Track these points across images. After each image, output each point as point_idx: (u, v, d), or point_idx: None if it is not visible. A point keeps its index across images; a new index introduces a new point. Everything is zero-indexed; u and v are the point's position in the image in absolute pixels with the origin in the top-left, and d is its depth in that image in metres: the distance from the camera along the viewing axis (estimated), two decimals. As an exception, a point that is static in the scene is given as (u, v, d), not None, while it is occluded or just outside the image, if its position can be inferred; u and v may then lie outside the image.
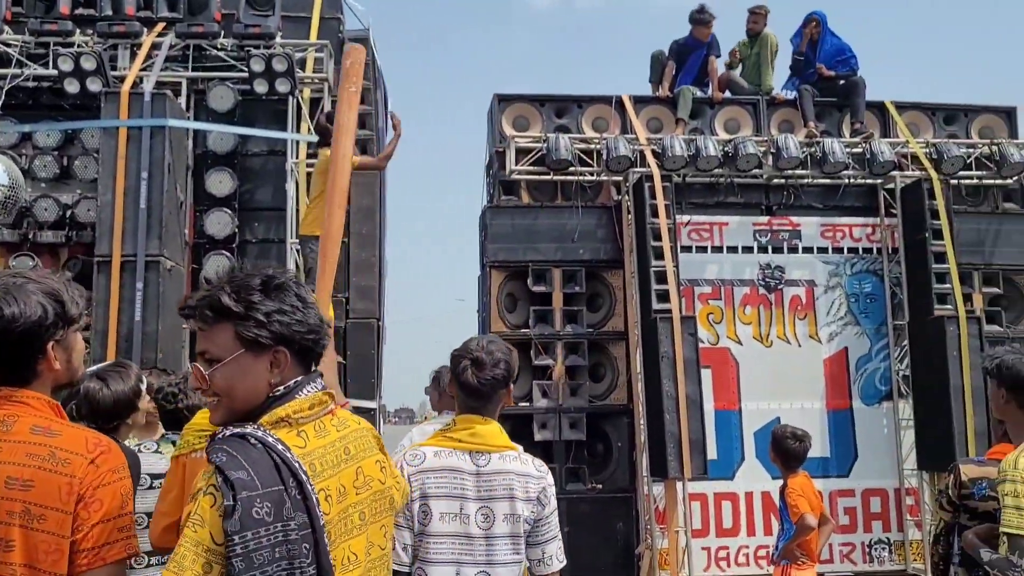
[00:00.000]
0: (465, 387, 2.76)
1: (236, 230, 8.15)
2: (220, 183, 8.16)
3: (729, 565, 7.82)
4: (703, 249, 8.47)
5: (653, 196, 8.03)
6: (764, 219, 8.57)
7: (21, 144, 8.12)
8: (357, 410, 5.90)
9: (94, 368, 3.41)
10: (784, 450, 4.98)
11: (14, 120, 7.94)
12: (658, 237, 7.93)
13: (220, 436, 1.74)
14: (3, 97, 7.64)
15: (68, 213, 7.92)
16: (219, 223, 8.09)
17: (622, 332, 8.37)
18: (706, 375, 7.91)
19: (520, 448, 2.83)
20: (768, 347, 8.30)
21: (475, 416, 2.75)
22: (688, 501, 7.62)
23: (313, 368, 1.88)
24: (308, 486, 1.69)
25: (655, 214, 7.99)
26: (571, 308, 8.34)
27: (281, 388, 1.79)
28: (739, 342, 8.29)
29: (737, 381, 8.19)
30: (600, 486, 8.08)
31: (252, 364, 1.76)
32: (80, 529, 1.79)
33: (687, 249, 8.36)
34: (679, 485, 7.53)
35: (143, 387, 3.35)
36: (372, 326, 8.42)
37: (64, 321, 1.91)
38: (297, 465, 1.70)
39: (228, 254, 8.09)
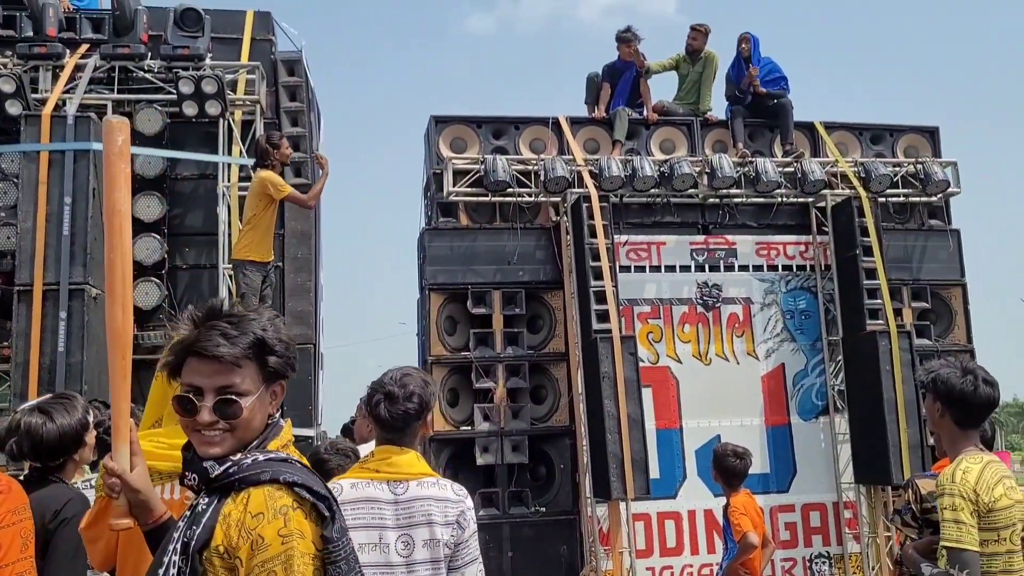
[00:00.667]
0: (379, 420, 2.85)
1: (166, 256, 7.92)
2: (148, 208, 7.93)
3: (672, 585, 7.81)
4: (641, 268, 8.52)
5: (591, 216, 8.06)
6: (701, 238, 8.66)
7: (-67, 169, 7.77)
8: (296, 438, 5.75)
9: (35, 401, 3.18)
10: (725, 468, 5.00)
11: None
12: (597, 257, 7.94)
13: (251, 462, 1.74)
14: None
15: (-15, 240, 7.59)
16: (148, 249, 7.85)
17: (563, 353, 8.35)
18: (647, 394, 7.93)
19: (438, 475, 2.88)
20: (707, 365, 8.36)
21: (391, 447, 2.81)
22: (632, 521, 7.60)
23: None
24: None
25: (593, 234, 8.01)
26: (511, 330, 8.29)
27: (272, 419, 1.86)
28: (679, 360, 8.34)
29: (678, 399, 8.23)
30: (543, 509, 8.00)
31: (265, 397, 1.82)
32: None
33: (626, 269, 8.40)
34: (622, 505, 7.51)
35: (91, 419, 3.14)
36: (309, 351, 8.25)
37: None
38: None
39: (157, 280, 7.86)
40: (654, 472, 7.69)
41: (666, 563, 7.84)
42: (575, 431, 8.12)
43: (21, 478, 2.99)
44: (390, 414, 2.80)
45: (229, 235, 7.89)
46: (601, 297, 7.85)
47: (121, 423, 1.92)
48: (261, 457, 1.75)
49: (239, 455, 1.75)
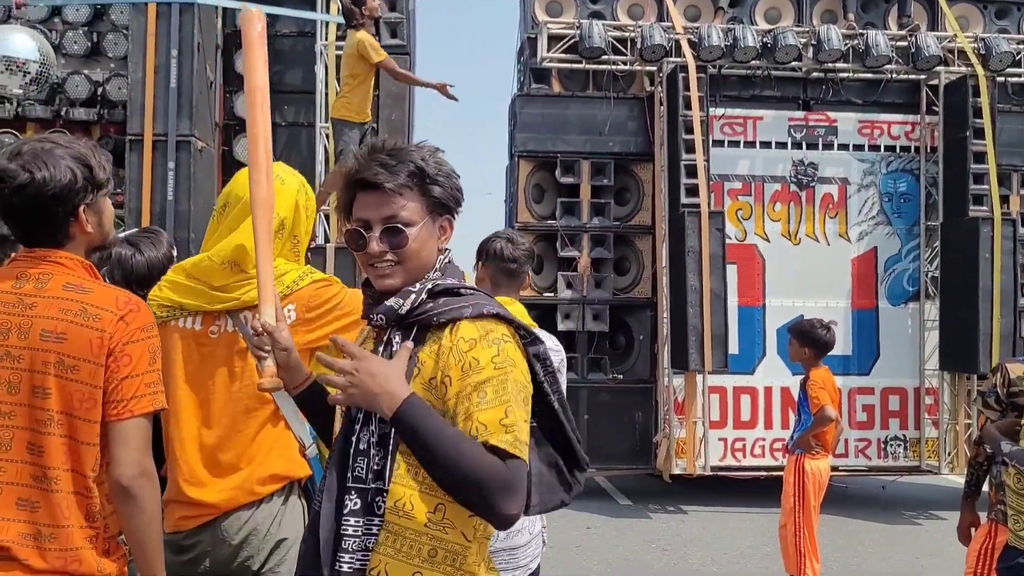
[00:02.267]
0: (499, 257, 3.08)
1: (266, 112, 8.10)
2: (249, 64, 8.08)
3: (745, 456, 8.01)
4: (735, 144, 8.34)
5: (687, 88, 7.87)
6: (800, 114, 8.38)
7: (49, 19, 8.04)
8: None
9: (124, 234, 3.43)
10: (813, 339, 4.99)
11: (43, -6, 7.84)
12: (690, 130, 7.81)
13: (443, 300, 1.75)
14: (31, -30, 7.53)
15: (99, 90, 7.90)
16: (248, 105, 8.05)
17: (649, 226, 8.36)
18: (731, 271, 7.92)
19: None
20: (796, 245, 8.25)
21: (504, 298, 2.85)
22: (707, 393, 7.75)
23: None
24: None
25: (688, 106, 7.85)
26: (599, 200, 8.31)
27: (444, 257, 1.84)
28: (767, 239, 8.24)
29: (763, 277, 8.19)
30: (620, 377, 8.22)
31: (432, 229, 1.81)
32: (110, 382, 1.87)
33: (719, 143, 8.23)
34: (699, 377, 7.65)
35: (175, 253, 3.38)
36: (400, 213, 8.46)
37: (93, 185, 1.95)
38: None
39: (258, 137, 8.09)
40: (733, 347, 7.77)
41: (739, 435, 8.02)
42: (656, 303, 8.22)
43: None
44: (513, 250, 3.06)
45: (326, 94, 8.01)
46: (692, 171, 7.76)
47: (266, 284, 2.02)
48: (451, 284, 1.78)
49: (417, 286, 1.77)
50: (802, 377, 5.15)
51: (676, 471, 7.74)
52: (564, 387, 2.37)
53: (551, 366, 1.81)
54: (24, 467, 1.86)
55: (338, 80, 7.67)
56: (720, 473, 7.98)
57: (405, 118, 8.72)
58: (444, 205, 1.82)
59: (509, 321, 1.76)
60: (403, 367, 1.71)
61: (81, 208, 1.94)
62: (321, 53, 8.09)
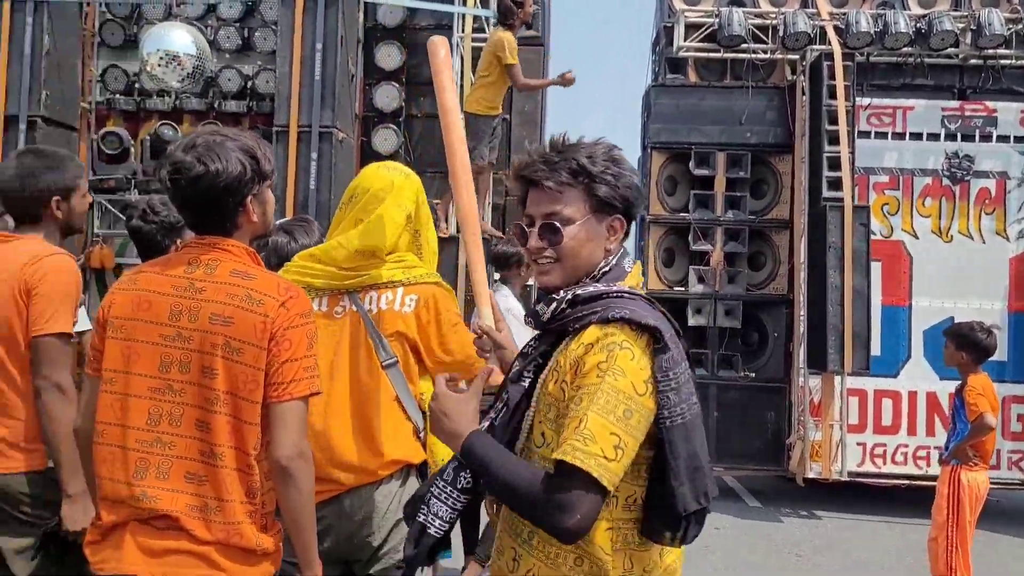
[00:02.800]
0: None
1: (403, 104, 8.29)
2: (389, 57, 8.26)
3: (885, 462, 7.64)
4: (883, 135, 7.94)
5: (832, 76, 7.55)
6: (955, 104, 7.90)
7: (206, 15, 8.46)
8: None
9: (279, 222, 3.56)
10: (973, 342, 4.69)
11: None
12: (834, 121, 7.49)
13: (583, 302, 1.74)
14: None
15: (249, 83, 8.28)
16: (387, 96, 8.24)
17: (787, 220, 8.08)
18: (875, 268, 7.56)
19: None
20: (948, 242, 7.79)
21: None
22: (846, 395, 7.44)
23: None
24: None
25: (833, 96, 7.53)
26: (734, 193, 8.09)
27: (612, 258, 1.81)
28: (915, 235, 7.82)
29: (909, 276, 7.78)
30: (753, 375, 8.00)
31: (596, 228, 1.78)
32: (271, 365, 1.95)
33: (865, 134, 7.86)
34: (838, 379, 7.35)
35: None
36: (531, 204, 8.49)
37: (259, 176, 2.04)
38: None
39: (395, 127, 8.27)
40: (875, 348, 7.43)
41: (879, 440, 7.66)
42: (793, 300, 7.94)
43: None
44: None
45: (462, 86, 8.10)
46: (835, 163, 7.45)
47: (481, 288, 2.12)
48: (593, 290, 1.75)
49: (561, 293, 1.76)
50: (958, 383, 4.85)
51: (810, 475, 7.47)
52: None
53: (675, 379, 1.65)
54: (192, 442, 1.96)
55: (474, 73, 7.76)
56: (857, 479, 7.64)
57: (537, 109, 8.76)
58: (611, 204, 1.78)
59: (642, 326, 1.66)
60: (473, 403, 1.78)
61: (248, 198, 2.03)
62: (457, 45, 8.19)
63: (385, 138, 8.28)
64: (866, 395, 7.70)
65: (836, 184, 7.39)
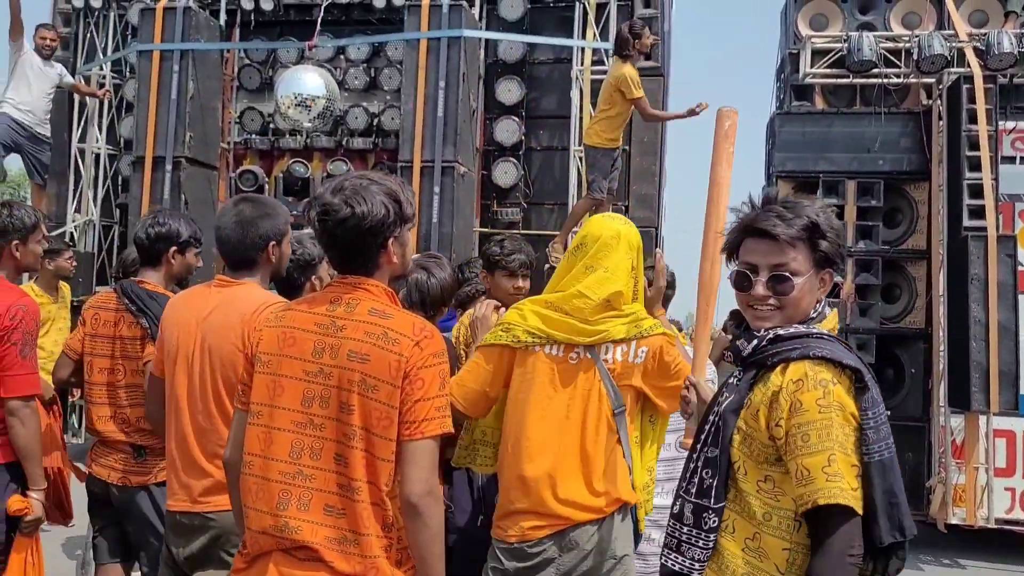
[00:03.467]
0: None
1: (523, 137, 8.39)
2: (509, 91, 8.41)
3: (1037, 509, 7.09)
4: (1029, 160, 7.46)
5: (972, 100, 7.16)
6: (1110, 125, 7.35)
7: (335, 58, 8.85)
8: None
9: (413, 258, 3.63)
10: None
11: (330, 35, 8.63)
12: (975, 146, 7.10)
13: (783, 335, 1.90)
14: (321, 14, 8.32)
15: (375, 121, 8.58)
16: (507, 130, 8.38)
17: (923, 250, 7.68)
18: (1023, 301, 7.07)
19: None
20: (1103, 272, 7.21)
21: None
22: (992, 437, 6.96)
23: None
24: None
25: (973, 120, 7.14)
26: (865, 223, 7.75)
27: (819, 306, 1.99)
28: (1067, 266, 7.28)
29: (1062, 309, 7.23)
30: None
31: (814, 281, 1.95)
32: (405, 403, 1.98)
33: (1009, 160, 7.40)
34: (983, 419, 6.89)
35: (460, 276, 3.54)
36: (651, 235, 8.39)
37: (401, 219, 2.11)
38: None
39: (515, 160, 8.38)
40: (1024, 387, 6.92)
41: (1030, 486, 7.12)
42: (931, 335, 7.52)
43: None
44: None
45: (580, 118, 8.15)
46: (976, 191, 7.05)
47: (701, 352, 2.28)
48: (794, 331, 1.88)
49: (763, 331, 1.91)
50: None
51: (953, 520, 7.00)
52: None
53: (874, 417, 1.77)
54: (331, 476, 2.00)
55: (593, 106, 7.77)
56: (1006, 527, 7.11)
57: (658, 139, 8.68)
58: (829, 259, 1.93)
59: (841, 365, 1.78)
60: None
61: (390, 240, 2.09)
62: (577, 78, 8.26)
63: (505, 171, 8.41)
64: (1015, 436, 7.17)
65: (978, 212, 6.99)
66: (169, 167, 8.04)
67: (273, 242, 2.82)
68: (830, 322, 2.01)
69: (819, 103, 8.08)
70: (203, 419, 2.70)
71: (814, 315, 1.94)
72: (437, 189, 7.59)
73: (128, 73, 9.39)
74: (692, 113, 6.67)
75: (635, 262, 2.75)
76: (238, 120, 8.93)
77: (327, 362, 2.02)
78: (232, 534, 2.65)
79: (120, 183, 9.45)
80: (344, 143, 8.63)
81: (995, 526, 7.00)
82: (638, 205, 8.43)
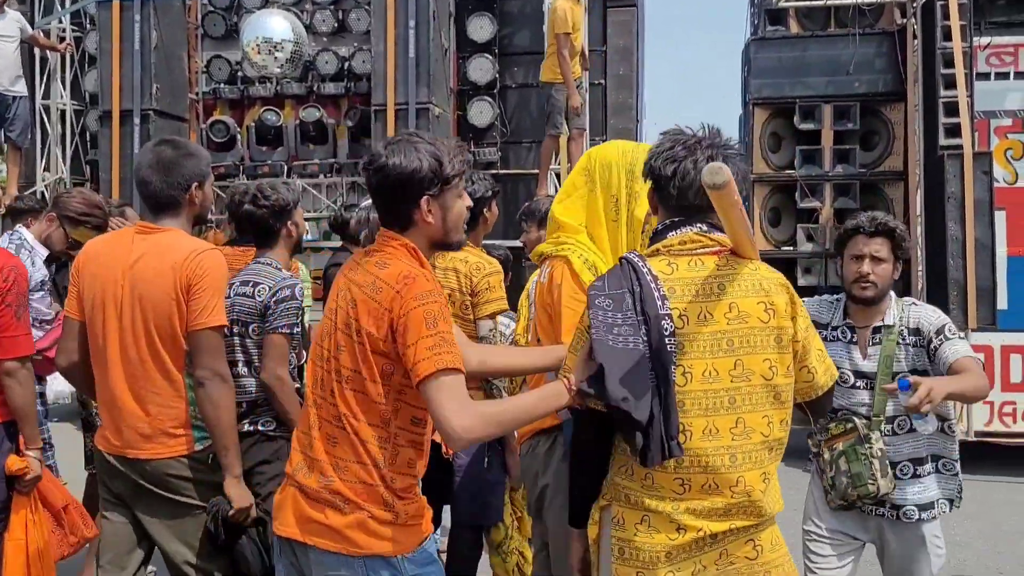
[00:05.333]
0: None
1: (497, 75, 8.28)
2: (481, 28, 8.27)
3: (1015, 421, 7.25)
4: (1004, 75, 7.45)
5: (946, 16, 7.11)
6: (1084, 36, 7.35)
7: (301, 1, 8.64)
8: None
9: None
10: None
11: (295, -23, 8.40)
12: (950, 64, 7.08)
13: None
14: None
15: (345, 65, 8.42)
16: (481, 69, 8.27)
17: (900, 172, 7.72)
18: (999, 217, 7.13)
19: None
20: (1079, 185, 7.29)
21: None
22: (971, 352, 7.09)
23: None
24: (655, 293, 1.99)
25: (947, 37, 7.11)
26: (842, 146, 7.78)
27: (659, 226, 2.13)
28: (1042, 180, 7.35)
29: (1037, 224, 7.32)
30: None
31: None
32: (402, 354, 2.02)
33: (984, 76, 7.40)
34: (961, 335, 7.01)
35: None
36: (631, 169, 8.37)
37: (440, 179, 2.10)
38: (649, 279, 2.01)
39: (490, 99, 8.28)
40: (1002, 302, 7.02)
41: (1008, 398, 7.27)
42: (910, 256, 7.60)
43: None
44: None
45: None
46: (952, 109, 7.05)
47: None
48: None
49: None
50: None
51: (933, 436, 7.17)
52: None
53: (594, 319, 2.03)
54: (330, 407, 2.13)
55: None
56: (986, 439, 7.29)
57: (633, 72, 8.61)
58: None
59: None
60: None
61: (424, 198, 2.10)
62: (547, 12, 8.10)
63: (481, 111, 8.32)
64: (992, 351, 7.30)
65: (954, 131, 7.00)
66: (137, 120, 7.90)
67: (195, 183, 2.78)
68: (675, 238, 2.18)
69: (794, 27, 8.03)
70: (136, 366, 2.70)
71: (656, 232, 2.19)
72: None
73: (89, 25, 9.15)
74: (574, 104, 6.90)
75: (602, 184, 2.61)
76: (205, 70, 8.74)
77: (339, 303, 2.14)
78: (169, 477, 2.72)
79: (88, 139, 9.28)
80: (315, 89, 8.48)
81: (975, 439, 7.17)
82: (617, 139, 8.38)
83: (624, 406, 1.91)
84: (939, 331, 2.92)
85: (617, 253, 2.53)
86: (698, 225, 2.08)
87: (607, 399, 1.94)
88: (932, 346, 2.90)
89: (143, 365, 2.69)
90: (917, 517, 2.98)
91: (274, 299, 3.11)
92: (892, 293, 3.06)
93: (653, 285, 1.99)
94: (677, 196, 2.07)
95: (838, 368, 2.62)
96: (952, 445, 3.02)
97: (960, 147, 6.93)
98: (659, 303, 1.97)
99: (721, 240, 2.07)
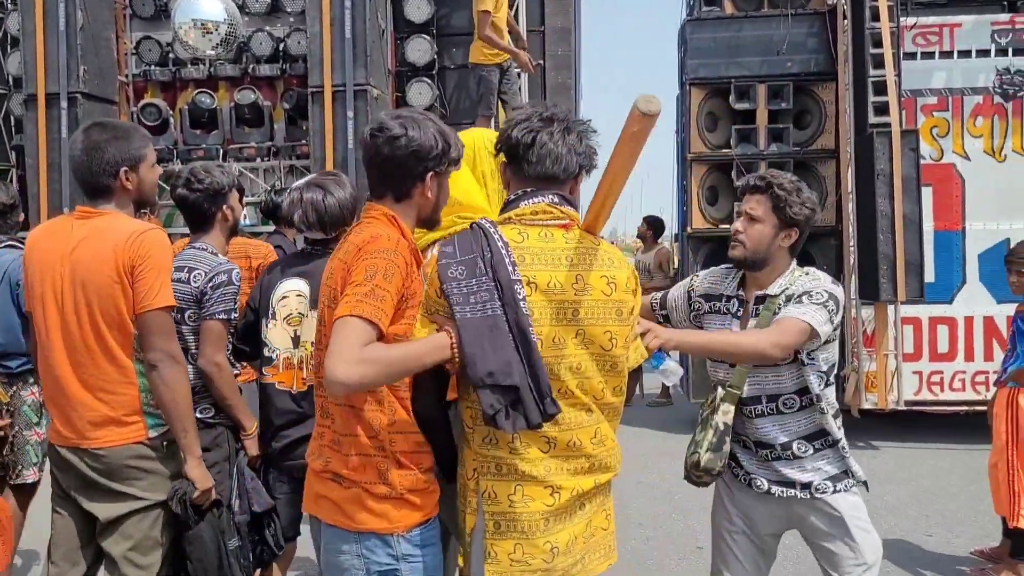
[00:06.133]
0: None
1: (435, 56, 8.22)
2: (418, 9, 8.20)
3: (943, 389, 7.54)
4: (930, 55, 7.67)
5: (874, -3, 7.29)
6: (1006, 17, 7.59)
7: (233, -20, 8.44)
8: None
9: (307, 178, 3.46)
10: None
11: (225, -44, 8.20)
12: (878, 43, 7.25)
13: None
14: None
15: (281, 46, 8.28)
16: (419, 50, 8.20)
17: (832, 150, 7.90)
18: (926, 193, 7.36)
19: None
20: (1001, 162, 7.55)
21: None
22: (900, 324, 7.33)
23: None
24: (505, 259, 2.03)
25: (876, 17, 7.28)
26: (777, 125, 7.91)
27: (511, 196, 2.17)
28: (966, 157, 7.60)
29: (962, 199, 7.57)
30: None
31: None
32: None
33: (911, 56, 7.60)
34: (891, 308, 7.24)
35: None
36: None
37: (447, 158, 2.17)
38: (500, 245, 2.04)
39: (429, 81, 8.23)
40: (929, 275, 7.27)
41: (936, 368, 7.55)
42: (841, 231, 7.80)
43: (302, 248, 3.40)
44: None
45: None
46: (881, 88, 7.23)
47: None
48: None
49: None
50: (1020, 305, 4.73)
51: (866, 406, 7.41)
52: None
53: (448, 289, 2.07)
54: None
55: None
56: (915, 408, 7.57)
57: (571, 52, 8.63)
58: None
59: None
60: None
61: (430, 174, 2.15)
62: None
63: (419, 92, 8.27)
64: (921, 323, 7.58)
65: (883, 109, 7.18)
66: (64, 104, 7.66)
67: (125, 168, 2.71)
68: (527, 208, 2.22)
69: (728, 7, 8.12)
70: (82, 354, 2.65)
71: (509, 201, 2.22)
72: (351, 114, 7.44)
73: (10, 4, 8.81)
74: (522, 63, 6.83)
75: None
76: (134, 51, 8.50)
77: (328, 284, 2.17)
78: (123, 467, 2.68)
79: (13, 123, 8.97)
80: (250, 70, 8.32)
81: (904, 408, 7.44)
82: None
83: (489, 381, 1.95)
84: (803, 295, 2.66)
85: None
86: (550, 196, 2.12)
87: (473, 382, 1.98)
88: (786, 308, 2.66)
89: (89, 352, 2.64)
90: (803, 495, 2.76)
91: (210, 285, 3.07)
92: (794, 263, 2.83)
93: (504, 252, 2.03)
94: (535, 164, 2.11)
95: None
96: (828, 422, 2.76)
97: (888, 125, 7.12)
98: (510, 269, 2.01)
99: (571, 214, 2.14)
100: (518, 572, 2.05)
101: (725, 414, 2.77)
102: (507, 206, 2.17)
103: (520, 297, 2.00)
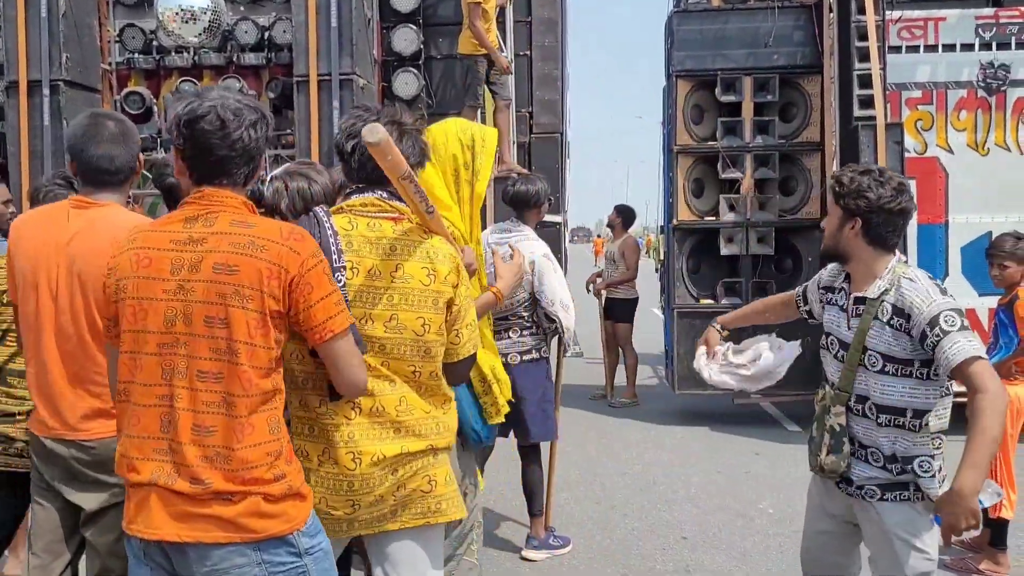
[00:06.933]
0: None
1: (422, 46, 8.18)
2: (404, -1, 8.15)
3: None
4: (914, 49, 7.71)
5: (860, -10, 7.32)
6: (990, 11, 7.64)
7: (218, -32, 8.36)
8: (542, 224, 5.91)
9: (283, 168, 3.44)
10: (1015, 254, 4.59)
11: (210, -56, 8.12)
12: (864, 37, 7.28)
13: None
14: (198, -79, 7.81)
15: (266, 35, 8.21)
16: (405, 39, 8.15)
17: (818, 143, 7.93)
18: (911, 187, 7.39)
19: None
20: (984, 155, 7.61)
21: None
22: (883, 317, 7.38)
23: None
24: (332, 246, 2.26)
25: (861, 11, 7.31)
26: (762, 118, 7.95)
27: (346, 191, 2.46)
28: (950, 150, 7.65)
29: (945, 192, 7.63)
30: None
31: None
32: (304, 311, 1.99)
33: (896, 49, 7.64)
34: (874, 300, 7.29)
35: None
36: (556, 140, 8.42)
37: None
38: (330, 233, 2.28)
39: (415, 71, 8.20)
40: (913, 268, 7.32)
41: (918, 360, 7.61)
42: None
43: None
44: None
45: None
46: (866, 81, 7.26)
47: None
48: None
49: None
50: (1002, 297, 4.77)
51: (849, 396, 7.45)
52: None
53: None
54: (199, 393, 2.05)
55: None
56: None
57: (558, 43, 8.62)
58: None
59: None
60: None
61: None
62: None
63: (406, 82, 8.22)
64: (903, 314, 7.62)
65: (867, 102, 7.22)
66: (47, 91, 7.55)
67: (140, 159, 2.85)
68: (357, 200, 2.58)
69: (715, 0, 8.12)
70: (74, 346, 2.62)
71: (347, 194, 2.54)
72: (336, 103, 7.37)
73: (-10, -8, 8.69)
74: (501, 65, 6.83)
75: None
76: (118, 39, 8.41)
77: (186, 277, 1.98)
78: (112, 459, 2.63)
79: (-6, 112, 8.85)
80: (235, 59, 8.24)
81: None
82: (542, 111, 8.42)
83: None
84: (932, 322, 2.56)
85: (466, 226, 2.87)
86: (380, 192, 2.38)
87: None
88: (928, 342, 2.57)
89: (82, 345, 2.62)
90: (872, 496, 2.75)
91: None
92: (893, 259, 2.77)
93: (333, 240, 2.27)
94: (358, 168, 2.37)
95: (834, 332, 2.83)
96: (925, 442, 2.73)
97: (873, 118, 7.16)
98: (335, 256, 2.24)
99: (400, 208, 2.37)
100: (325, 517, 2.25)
101: (837, 416, 2.78)
102: (345, 198, 2.46)
103: (339, 284, 2.20)
